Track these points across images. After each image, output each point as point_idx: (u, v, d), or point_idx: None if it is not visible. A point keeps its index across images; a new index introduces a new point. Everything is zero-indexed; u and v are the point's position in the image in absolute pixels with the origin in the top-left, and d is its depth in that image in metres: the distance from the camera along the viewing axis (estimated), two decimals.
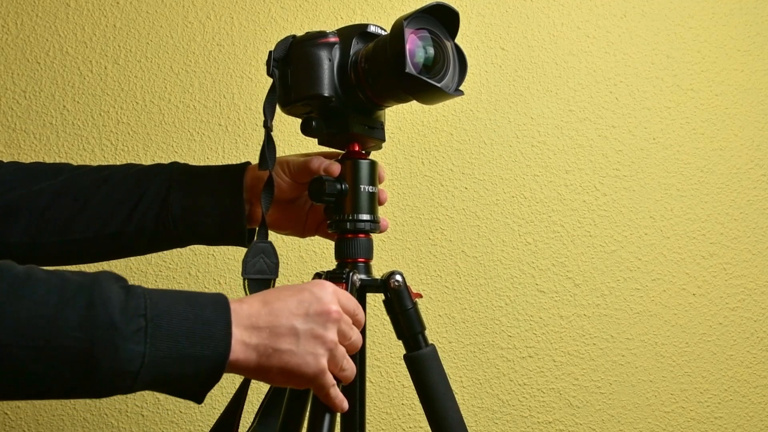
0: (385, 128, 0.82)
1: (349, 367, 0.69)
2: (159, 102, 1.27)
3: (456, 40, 0.75)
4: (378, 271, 0.78)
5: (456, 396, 0.85)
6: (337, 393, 0.68)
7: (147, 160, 1.25)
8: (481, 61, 1.33)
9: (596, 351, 1.30)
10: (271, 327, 0.63)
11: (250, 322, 0.62)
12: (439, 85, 0.72)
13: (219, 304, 0.61)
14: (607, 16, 1.36)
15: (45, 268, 0.57)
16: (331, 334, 0.66)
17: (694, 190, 1.35)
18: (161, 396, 1.17)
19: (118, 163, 0.84)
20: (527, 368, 1.28)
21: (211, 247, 1.15)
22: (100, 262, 0.82)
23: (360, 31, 0.76)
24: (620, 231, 1.32)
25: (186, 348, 0.58)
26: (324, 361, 0.65)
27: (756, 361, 1.33)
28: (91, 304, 0.55)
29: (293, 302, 0.65)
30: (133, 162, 0.89)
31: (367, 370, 1.18)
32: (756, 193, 1.36)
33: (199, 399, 0.62)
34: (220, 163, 0.85)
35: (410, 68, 0.69)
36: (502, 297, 1.28)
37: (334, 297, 0.67)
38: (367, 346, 0.90)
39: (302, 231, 0.86)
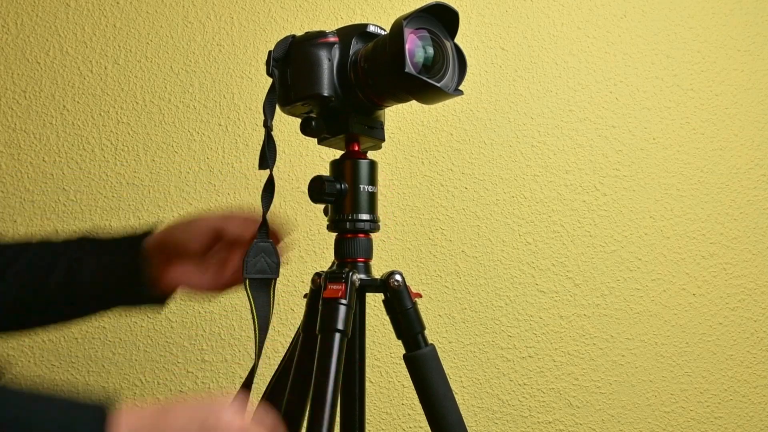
0: (385, 128, 0.82)
1: None
2: (159, 102, 1.27)
3: (456, 40, 0.75)
4: (378, 271, 0.78)
5: (456, 396, 0.85)
6: None
7: (147, 160, 1.25)
8: (481, 61, 1.33)
9: (596, 351, 1.30)
10: None
11: None
12: (438, 84, 0.72)
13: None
14: (607, 16, 1.36)
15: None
16: None
17: (694, 190, 1.35)
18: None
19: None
20: (527, 368, 1.28)
21: None
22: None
23: (359, 31, 0.76)
24: (620, 231, 1.32)
25: None
26: None
27: (756, 361, 1.33)
28: None
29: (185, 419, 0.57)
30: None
31: (367, 370, 1.18)
32: (756, 193, 1.36)
33: None
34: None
35: (410, 68, 0.69)
36: (502, 297, 1.28)
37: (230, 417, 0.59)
38: (367, 346, 0.90)
39: (220, 285, 0.80)
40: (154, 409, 0.57)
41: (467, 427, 0.75)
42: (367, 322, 0.77)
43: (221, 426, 0.57)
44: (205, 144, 1.26)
